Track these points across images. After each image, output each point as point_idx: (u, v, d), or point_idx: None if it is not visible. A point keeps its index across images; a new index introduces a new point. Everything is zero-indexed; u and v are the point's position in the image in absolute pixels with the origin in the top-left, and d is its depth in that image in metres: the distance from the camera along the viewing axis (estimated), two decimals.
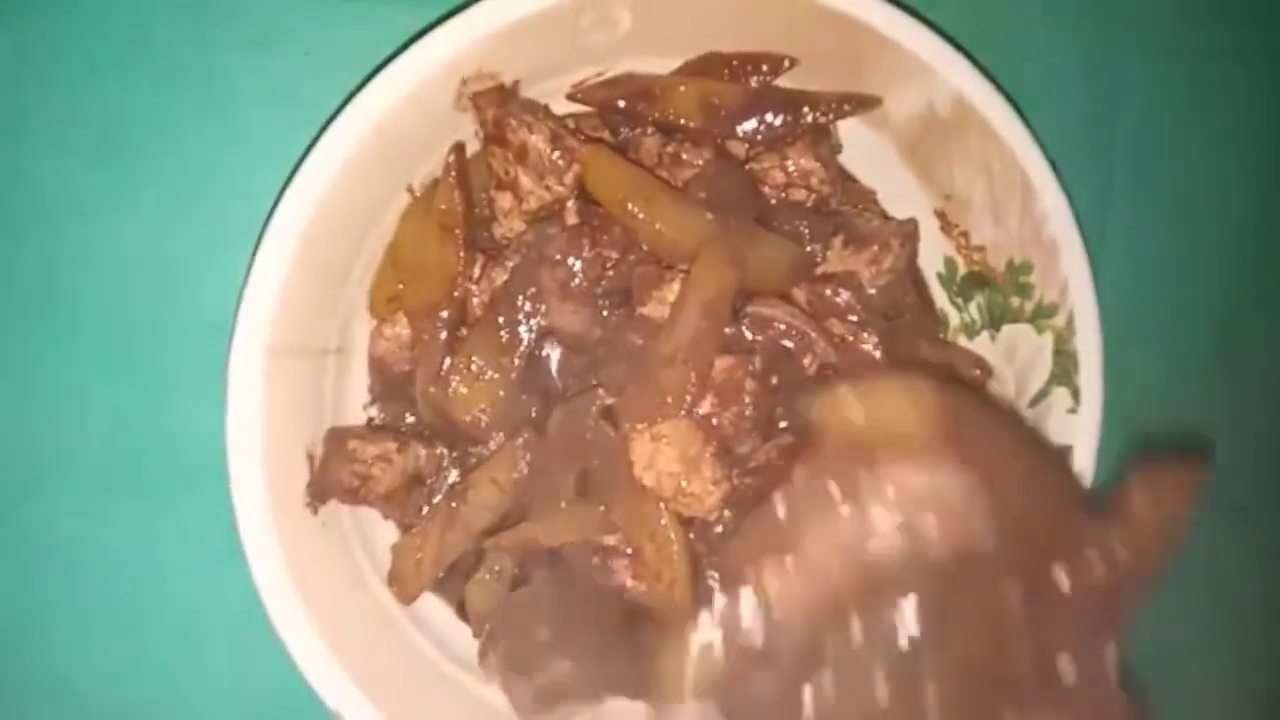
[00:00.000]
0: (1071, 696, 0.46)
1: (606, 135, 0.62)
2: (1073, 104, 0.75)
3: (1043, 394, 0.63)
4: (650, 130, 0.61)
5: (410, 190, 0.59)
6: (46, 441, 0.63)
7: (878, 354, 0.57)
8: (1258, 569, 0.84)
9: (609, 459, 0.54)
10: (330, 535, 0.58)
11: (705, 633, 0.46)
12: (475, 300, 0.58)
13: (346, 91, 0.54)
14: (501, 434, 0.58)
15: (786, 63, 0.61)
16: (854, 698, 0.44)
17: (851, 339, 0.58)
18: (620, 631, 0.54)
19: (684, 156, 0.60)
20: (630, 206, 0.56)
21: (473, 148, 0.60)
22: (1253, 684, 0.84)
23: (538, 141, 0.56)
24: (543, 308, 0.56)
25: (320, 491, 0.57)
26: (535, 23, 0.54)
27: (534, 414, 0.58)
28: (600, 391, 0.55)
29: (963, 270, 0.66)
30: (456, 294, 0.58)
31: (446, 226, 0.57)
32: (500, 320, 0.57)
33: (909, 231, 0.62)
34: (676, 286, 0.54)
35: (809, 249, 0.60)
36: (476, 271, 0.58)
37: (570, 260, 0.56)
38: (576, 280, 0.56)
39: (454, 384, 0.56)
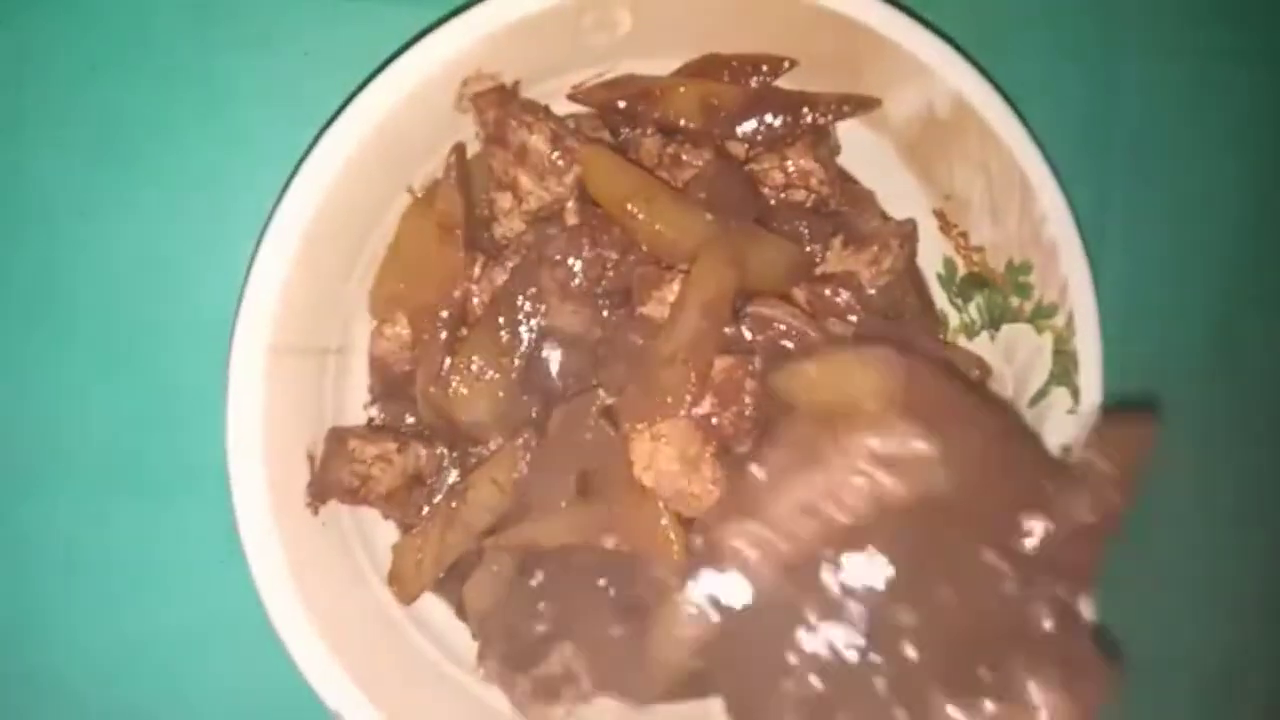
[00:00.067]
0: (1042, 647, 0.49)
1: (606, 136, 0.62)
2: (1072, 104, 0.75)
3: (1042, 394, 0.63)
4: (650, 131, 0.61)
5: (411, 191, 0.59)
6: (46, 441, 0.63)
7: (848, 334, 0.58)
8: (1258, 569, 0.84)
9: (609, 459, 0.54)
10: (330, 535, 0.58)
11: (694, 597, 0.50)
12: (475, 300, 0.58)
13: (347, 92, 0.54)
14: (501, 434, 0.58)
15: (786, 64, 0.61)
16: (831, 652, 0.48)
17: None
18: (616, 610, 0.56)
19: (684, 157, 0.60)
20: (630, 207, 0.56)
21: (473, 148, 0.60)
22: (1253, 684, 0.84)
23: (538, 142, 0.56)
24: (543, 308, 0.56)
25: (320, 491, 0.57)
26: (536, 23, 0.54)
27: (534, 414, 0.58)
28: (600, 391, 0.55)
29: (962, 270, 0.66)
30: (457, 294, 0.58)
31: (447, 227, 0.58)
32: (500, 320, 0.57)
33: (908, 232, 0.62)
34: (676, 287, 0.54)
35: (808, 249, 0.60)
36: (477, 272, 0.58)
37: (570, 260, 0.56)
38: (576, 280, 0.56)
39: (454, 384, 0.56)
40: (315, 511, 0.57)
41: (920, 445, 0.48)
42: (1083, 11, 0.76)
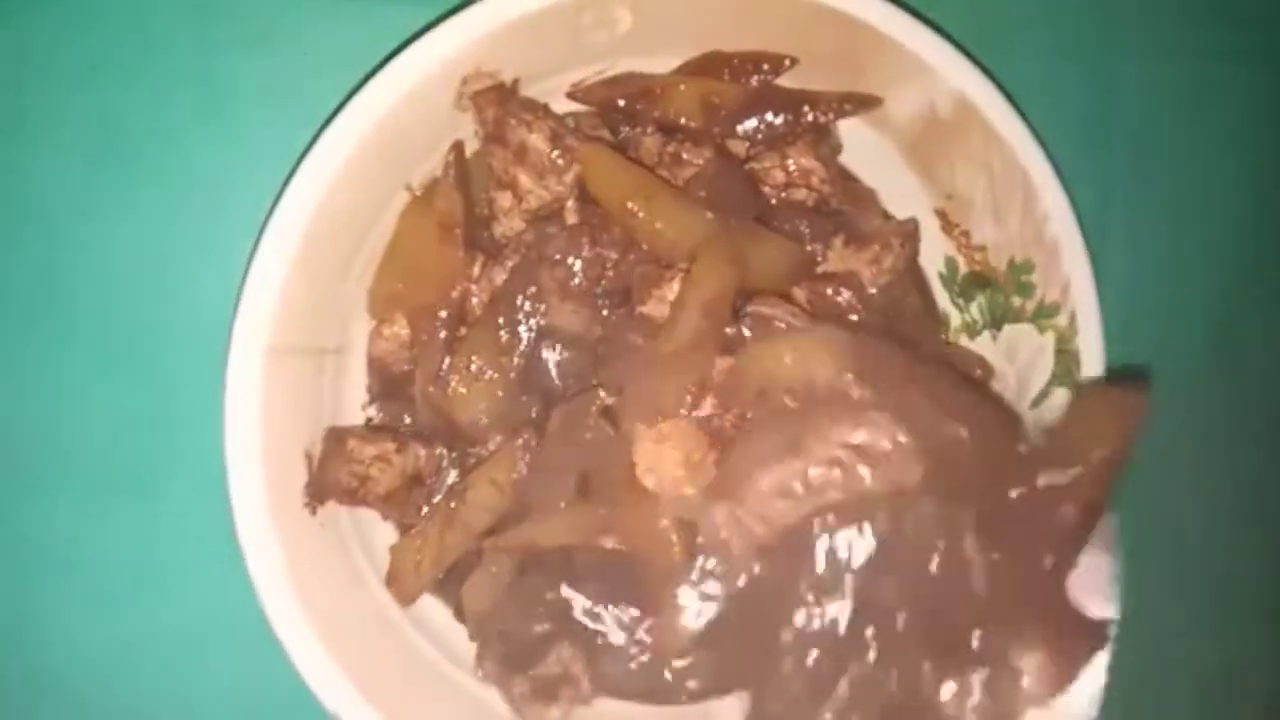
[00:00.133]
0: (1031, 621, 0.50)
1: (606, 134, 0.62)
2: (1073, 104, 0.75)
3: (1044, 394, 0.63)
4: (650, 129, 0.61)
5: (410, 189, 0.59)
6: (46, 441, 0.63)
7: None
8: (1258, 569, 0.84)
9: (609, 459, 0.54)
10: (329, 536, 0.58)
11: (692, 593, 0.51)
12: (474, 300, 0.58)
13: (346, 91, 0.54)
14: (501, 434, 0.58)
15: (787, 62, 0.61)
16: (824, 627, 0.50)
17: None
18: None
19: (684, 156, 0.60)
20: (630, 205, 0.55)
21: (472, 147, 0.60)
22: (1253, 684, 0.84)
23: (537, 141, 0.56)
24: (542, 307, 0.56)
25: (318, 492, 0.57)
26: (535, 21, 0.54)
27: (533, 414, 0.58)
28: (600, 391, 0.55)
29: (964, 270, 0.66)
30: (456, 294, 0.58)
31: (446, 226, 0.57)
32: (500, 320, 0.57)
33: (910, 231, 0.62)
34: (676, 286, 0.54)
35: (809, 248, 0.60)
36: (476, 271, 0.58)
37: (570, 259, 0.56)
38: (576, 280, 0.56)
39: (453, 384, 0.56)
40: (313, 512, 0.57)
41: (885, 423, 0.49)
42: (1083, 11, 0.76)
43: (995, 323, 0.65)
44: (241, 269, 0.53)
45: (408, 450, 0.58)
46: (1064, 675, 0.50)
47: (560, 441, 0.56)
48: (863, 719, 0.50)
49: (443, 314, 0.58)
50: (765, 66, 0.61)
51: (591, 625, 0.56)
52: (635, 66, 0.61)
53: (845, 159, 0.65)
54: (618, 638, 0.56)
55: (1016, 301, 0.64)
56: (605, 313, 0.57)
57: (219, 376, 0.53)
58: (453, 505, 0.57)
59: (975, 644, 0.50)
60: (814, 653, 0.50)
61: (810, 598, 0.50)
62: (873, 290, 0.59)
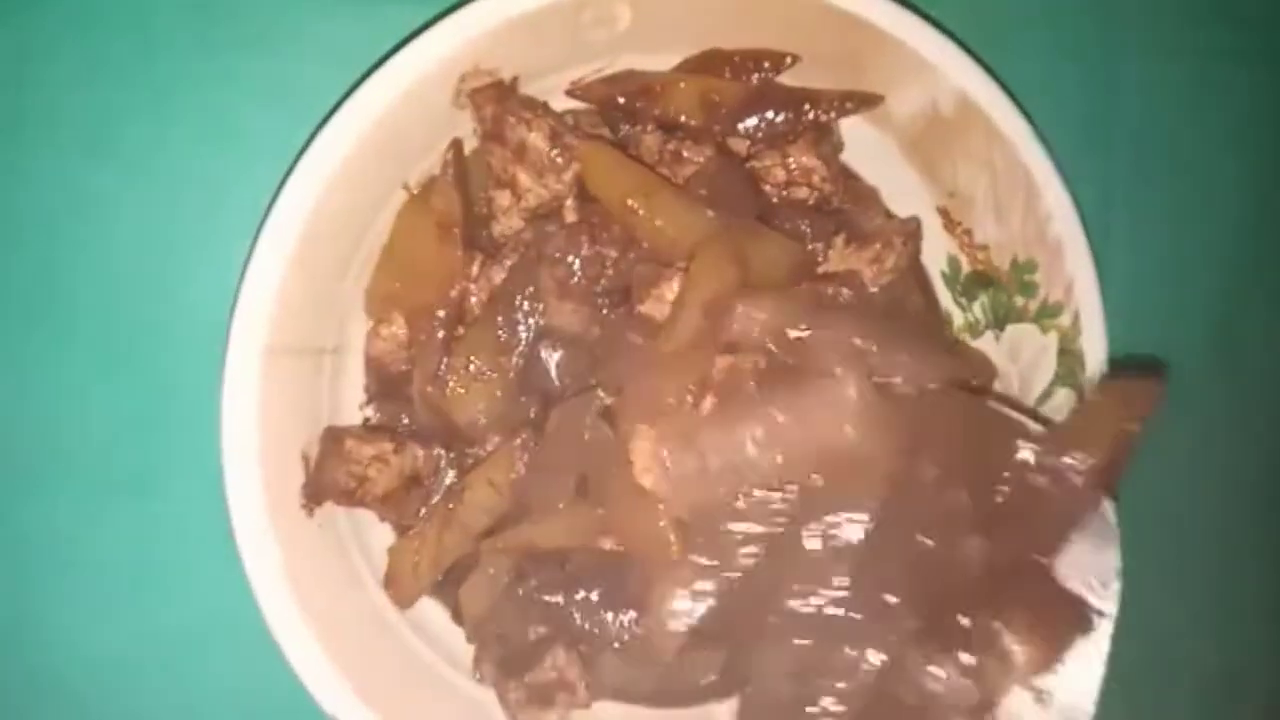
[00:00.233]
0: (1025, 598, 0.51)
1: (606, 132, 0.62)
2: (1073, 103, 0.75)
3: (1047, 394, 0.63)
4: (650, 127, 0.61)
5: (407, 188, 0.59)
6: (46, 441, 0.63)
7: None
8: (1258, 569, 0.83)
9: (607, 460, 0.54)
10: (327, 537, 0.58)
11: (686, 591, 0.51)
12: (473, 299, 0.58)
13: (345, 89, 0.54)
14: (499, 435, 0.58)
15: (788, 60, 0.61)
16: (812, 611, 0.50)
17: None
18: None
19: (684, 154, 0.60)
20: (630, 204, 0.55)
21: (471, 145, 0.60)
22: (1253, 684, 0.84)
23: (536, 139, 0.56)
24: (541, 307, 0.56)
25: (316, 493, 0.57)
26: (534, 19, 0.54)
27: (532, 414, 0.58)
28: (599, 391, 0.55)
29: (966, 269, 0.66)
30: (454, 293, 0.58)
31: (444, 225, 0.57)
32: (498, 319, 0.56)
33: (911, 230, 0.62)
34: (676, 285, 0.54)
35: (811, 247, 0.60)
36: (474, 270, 0.58)
37: (569, 258, 0.56)
38: (575, 279, 0.56)
39: (451, 384, 0.56)
40: (311, 513, 0.57)
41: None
42: (1083, 11, 0.76)
43: (998, 322, 0.65)
44: (239, 268, 0.53)
45: (405, 451, 0.58)
46: (1049, 656, 0.50)
47: (559, 442, 0.55)
48: (853, 702, 0.50)
49: (441, 313, 0.58)
50: (766, 64, 0.61)
51: (589, 628, 0.56)
52: (635, 64, 0.61)
53: (847, 157, 0.65)
54: (615, 640, 0.55)
55: (1019, 301, 0.64)
56: (604, 312, 0.57)
57: (217, 376, 0.53)
58: (451, 506, 0.57)
59: (963, 627, 0.50)
60: (805, 640, 0.50)
61: (800, 588, 0.50)
62: (874, 289, 0.59)
